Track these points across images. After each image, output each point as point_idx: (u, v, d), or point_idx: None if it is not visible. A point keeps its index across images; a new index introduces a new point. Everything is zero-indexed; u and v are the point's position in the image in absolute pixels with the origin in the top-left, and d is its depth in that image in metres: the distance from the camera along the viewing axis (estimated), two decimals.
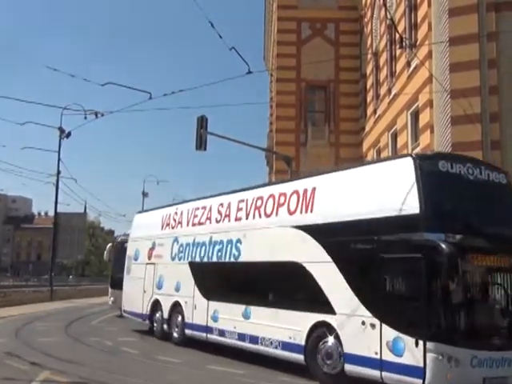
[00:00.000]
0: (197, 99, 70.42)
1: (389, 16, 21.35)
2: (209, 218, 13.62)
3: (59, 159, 34.59)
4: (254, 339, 11.04)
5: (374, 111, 26.08)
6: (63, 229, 42.64)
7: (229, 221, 12.80)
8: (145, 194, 52.56)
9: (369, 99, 27.74)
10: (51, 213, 54.95)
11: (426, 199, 8.26)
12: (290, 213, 10.84)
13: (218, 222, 13.22)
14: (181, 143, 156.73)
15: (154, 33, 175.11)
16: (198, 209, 14.12)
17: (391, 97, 22.63)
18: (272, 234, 11.22)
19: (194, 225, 14.19)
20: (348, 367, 8.95)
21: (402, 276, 8.49)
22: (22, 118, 28.22)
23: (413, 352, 7.83)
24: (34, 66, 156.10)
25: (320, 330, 9.53)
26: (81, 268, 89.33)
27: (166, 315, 14.47)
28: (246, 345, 11.30)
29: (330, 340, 9.31)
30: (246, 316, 11.42)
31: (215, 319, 12.38)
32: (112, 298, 21.33)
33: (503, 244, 8.54)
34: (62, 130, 33.27)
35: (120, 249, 20.98)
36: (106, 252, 24.40)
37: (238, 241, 12.14)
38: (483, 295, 8.59)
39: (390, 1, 22.88)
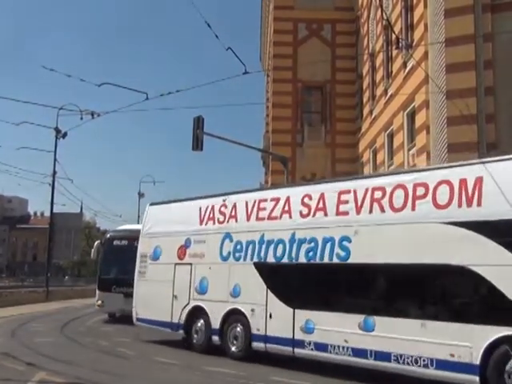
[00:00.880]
0: (193, 100, 70.33)
1: (385, 17, 21.39)
2: (287, 212, 11.43)
3: (55, 159, 34.55)
4: (382, 356, 9.17)
5: (371, 112, 26.14)
6: (59, 229, 42.72)
7: (325, 215, 10.70)
8: (141, 195, 52.51)
9: (365, 100, 27.80)
10: (47, 213, 54.85)
11: None
12: (439, 207, 9.00)
13: (304, 216, 11.06)
14: (178, 144, 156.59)
15: (151, 33, 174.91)
16: (266, 201, 11.98)
17: (387, 97, 22.69)
18: (406, 231, 9.39)
19: (260, 219, 11.97)
20: None
21: None
22: (18, 118, 28.32)
23: None
24: (30, 66, 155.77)
25: (504, 347, 7.86)
26: (77, 268, 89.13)
27: (215, 325, 12.27)
28: (369, 362, 9.42)
29: None
30: (367, 328, 9.48)
31: (308, 330, 10.35)
32: (99, 302, 19.54)
33: None
34: (58, 130, 33.20)
35: (109, 246, 20.00)
36: (93, 250, 21.86)
37: (345, 239, 10.15)
38: None
39: (387, 2, 22.95)
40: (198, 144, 17.41)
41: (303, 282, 10.95)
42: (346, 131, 30.01)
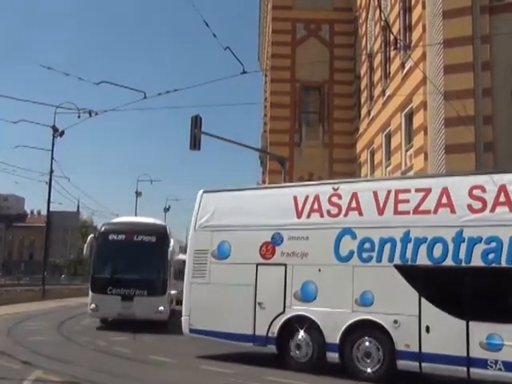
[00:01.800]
0: (191, 99, 70.29)
1: (383, 17, 21.44)
2: (446, 205, 9.57)
3: (52, 158, 34.45)
4: None
5: (368, 112, 26.18)
6: (56, 228, 42.53)
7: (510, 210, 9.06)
8: (138, 194, 52.44)
9: (363, 100, 27.84)
10: (44, 211, 54.82)
11: None
12: None
13: (476, 211, 9.30)
14: (175, 143, 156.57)
15: (150, 32, 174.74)
16: (409, 191, 10.06)
17: (385, 98, 22.72)
18: None
19: (401, 213, 10.02)
20: None
21: None
22: (15, 116, 28.25)
23: None
24: (27, 64, 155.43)
25: None
26: (73, 267, 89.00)
27: (332, 339, 10.13)
28: None
29: None
30: None
31: (492, 347, 8.69)
32: (93, 305, 16.72)
33: None
34: (55, 129, 33.14)
35: (104, 241, 17.19)
36: (85, 245, 17.97)
37: None
38: None
39: (385, 2, 22.98)
40: (195, 143, 17.42)
41: (481, 289, 9.20)
42: (343, 131, 30.07)
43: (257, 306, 11.00)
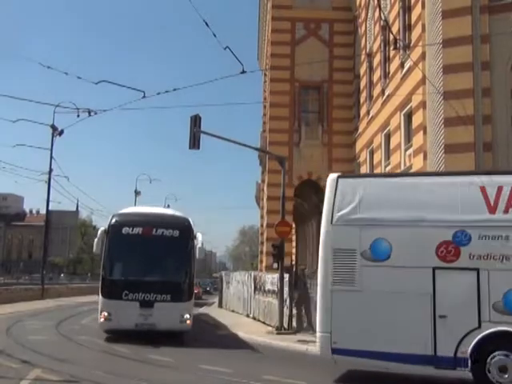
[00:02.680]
0: (191, 98, 70.26)
1: (383, 17, 21.44)
2: None
3: (51, 157, 34.50)
4: None
5: (368, 112, 26.19)
6: (55, 227, 42.57)
7: None
8: (137, 193, 52.43)
9: (362, 100, 27.85)
10: (43, 211, 54.81)
11: None
12: None
13: None
14: (174, 142, 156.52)
15: (149, 32, 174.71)
16: None
17: (384, 98, 22.73)
18: None
19: None
20: None
21: None
22: (15, 116, 28.18)
23: None
24: (27, 63, 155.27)
25: None
26: (72, 266, 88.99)
27: None
28: None
29: None
30: None
31: None
32: (105, 313, 13.83)
33: None
34: (54, 128, 33.16)
35: (117, 235, 14.30)
36: (96, 240, 14.79)
37: None
38: None
39: (385, 2, 22.99)
40: (194, 142, 17.40)
41: None
42: (343, 131, 30.06)
43: (437, 319, 8.96)
